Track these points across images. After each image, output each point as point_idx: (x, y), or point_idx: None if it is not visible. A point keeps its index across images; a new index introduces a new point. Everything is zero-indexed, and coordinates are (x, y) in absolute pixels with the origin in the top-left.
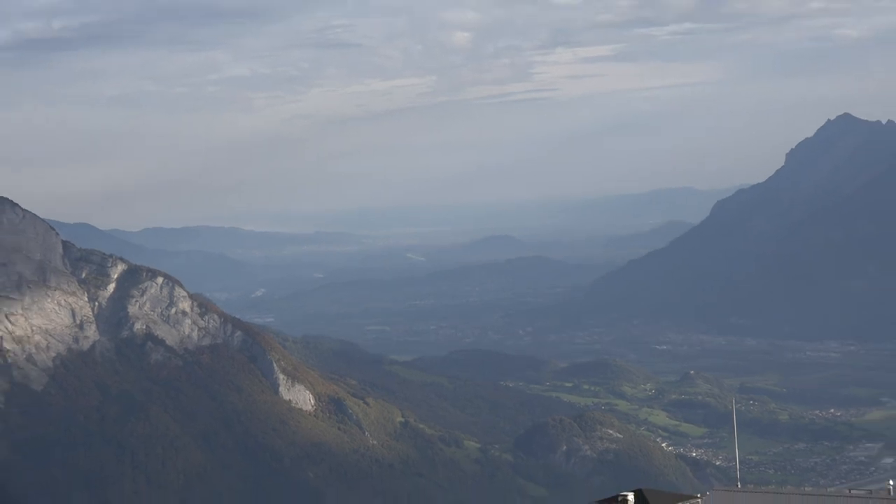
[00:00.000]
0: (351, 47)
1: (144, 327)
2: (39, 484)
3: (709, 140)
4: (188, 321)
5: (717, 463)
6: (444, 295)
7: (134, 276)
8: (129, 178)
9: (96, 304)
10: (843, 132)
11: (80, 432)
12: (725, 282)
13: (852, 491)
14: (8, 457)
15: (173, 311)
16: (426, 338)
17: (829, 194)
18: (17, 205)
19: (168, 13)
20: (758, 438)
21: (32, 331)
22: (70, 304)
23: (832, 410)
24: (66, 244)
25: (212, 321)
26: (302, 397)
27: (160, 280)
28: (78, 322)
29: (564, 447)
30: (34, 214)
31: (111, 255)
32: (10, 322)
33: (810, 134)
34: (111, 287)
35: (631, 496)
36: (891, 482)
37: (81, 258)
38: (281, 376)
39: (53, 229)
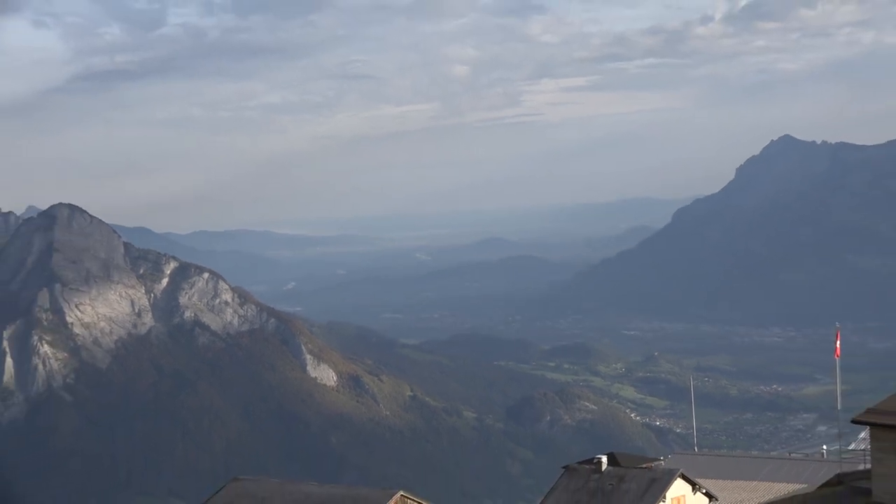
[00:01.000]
0: (368, 79)
1: (193, 315)
2: (105, 448)
3: (671, 157)
4: (230, 310)
5: (678, 430)
6: (447, 288)
7: (184, 272)
8: (180, 188)
9: (152, 295)
10: (783, 150)
11: (138, 404)
12: (685, 278)
13: (792, 455)
14: (77, 424)
15: (217, 301)
16: (431, 324)
17: (773, 203)
18: (85, 212)
19: (213, 50)
20: (712, 410)
21: (98, 318)
22: (130, 296)
23: (774, 386)
24: (126, 245)
25: (250, 310)
26: (326, 374)
27: (206, 275)
28: (136, 311)
29: (548, 417)
30: (100, 220)
31: (164, 255)
32: (79, 311)
33: (756, 152)
34: (164, 281)
35: (605, 458)
36: (824, 447)
37: (139, 257)
38: (308, 357)
39: (116, 232)
